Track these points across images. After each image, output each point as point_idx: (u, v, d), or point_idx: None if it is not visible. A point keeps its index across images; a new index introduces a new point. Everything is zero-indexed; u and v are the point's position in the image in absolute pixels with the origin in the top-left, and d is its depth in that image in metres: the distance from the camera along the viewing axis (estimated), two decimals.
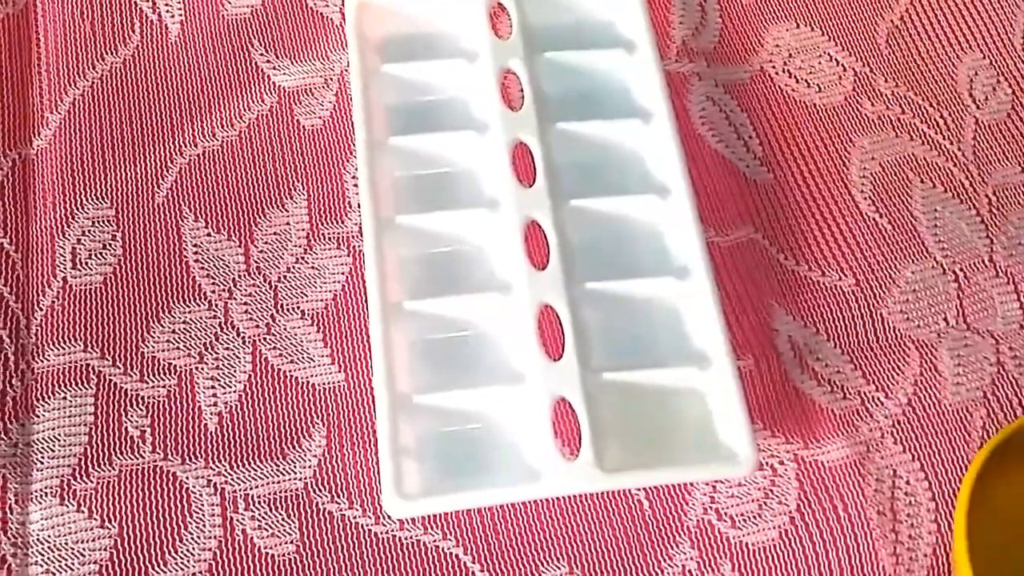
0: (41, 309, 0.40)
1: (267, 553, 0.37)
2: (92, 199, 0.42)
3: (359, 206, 0.40)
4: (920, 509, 0.38)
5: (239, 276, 0.41)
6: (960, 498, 0.34)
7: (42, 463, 0.37)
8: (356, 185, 0.42)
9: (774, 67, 0.47)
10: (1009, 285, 0.43)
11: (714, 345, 0.37)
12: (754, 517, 0.38)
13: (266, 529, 0.37)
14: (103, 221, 0.42)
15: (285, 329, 0.40)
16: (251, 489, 0.37)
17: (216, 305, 0.41)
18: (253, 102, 0.45)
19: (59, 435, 0.38)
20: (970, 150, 0.45)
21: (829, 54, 0.47)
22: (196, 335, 0.40)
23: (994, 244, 0.43)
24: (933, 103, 0.46)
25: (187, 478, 0.38)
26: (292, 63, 0.46)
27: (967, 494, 0.34)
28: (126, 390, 0.39)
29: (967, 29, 0.48)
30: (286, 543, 0.37)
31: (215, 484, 0.37)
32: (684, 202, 0.40)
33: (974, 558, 0.33)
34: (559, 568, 0.37)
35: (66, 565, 0.36)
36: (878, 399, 0.40)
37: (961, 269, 0.43)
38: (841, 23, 0.48)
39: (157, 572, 0.36)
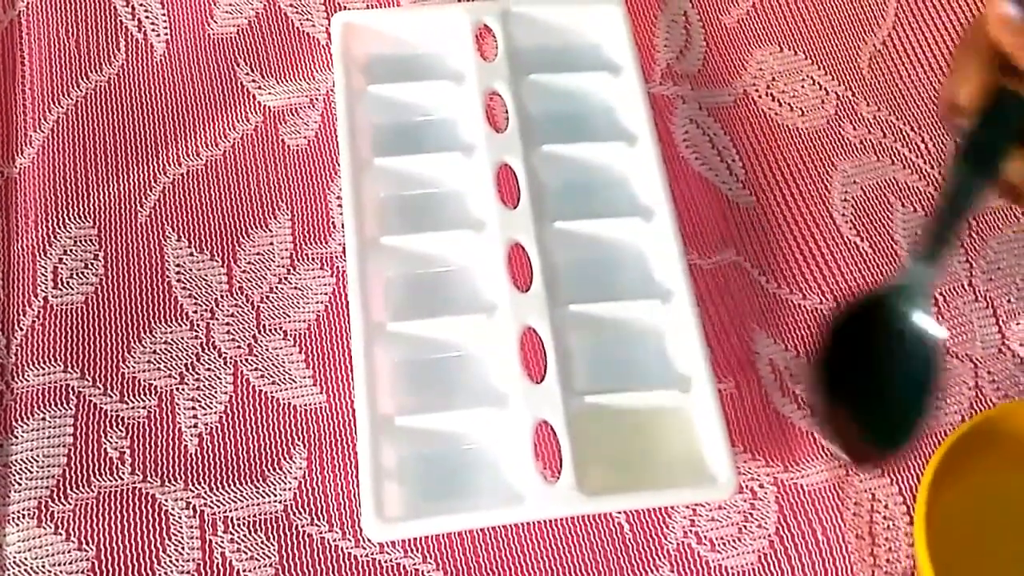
0: (21, 329, 0.40)
1: None
2: (74, 218, 0.42)
3: (343, 226, 0.40)
4: (898, 533, 0.38)
5: (221, 296, 0.41)
6: (919, 498, 0.34)
7: (20, 484, 0.37)
8: (340, 205, 0.42)
9: (757, 91, 0.47)
10: (988, 309, 0.43)
11: (695, 368, 0.37)
12: (734, 540, 0.38)
13: (245, 552, 0.37)
14: (85, 240, 0.42)
15: (267, 350, 0.40)
16: (230, 512, 0.37)
17: (198, 325, 0.41)
18: (238, 121, 0.45)
19: (37, 456, 0.38)
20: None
21: (812, 78, 0.48)
22: (177, 356, 0.40)
23: (973, 268, 0.44)
24: (914, 127, 0.47)
25: (166, 500, 0.37)
26: (277, 82, 0.46)
27: (925, 494, 0.34)
28: (106, 411, 0.39)
29: (948, 54, 0.49)
30: (265, 566, 0.37)
31: (194, 506, 0.37)
32: (667, 225, 0.40)
33: (933, 552, 0.33)
34: None
35: None
36: None
37: (940, 293, 0.43)
38: (824, 47, 0.48)
39: None
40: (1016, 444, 0.38)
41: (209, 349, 0.40)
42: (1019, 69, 0.29)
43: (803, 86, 0.47)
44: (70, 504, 0.37)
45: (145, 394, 0.39)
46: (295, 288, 0.42)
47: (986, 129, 0.30)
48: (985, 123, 0.30)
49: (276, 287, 0.42)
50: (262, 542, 0.37)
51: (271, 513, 0.37)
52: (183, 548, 0.37)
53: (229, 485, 0.38)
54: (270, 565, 0.37)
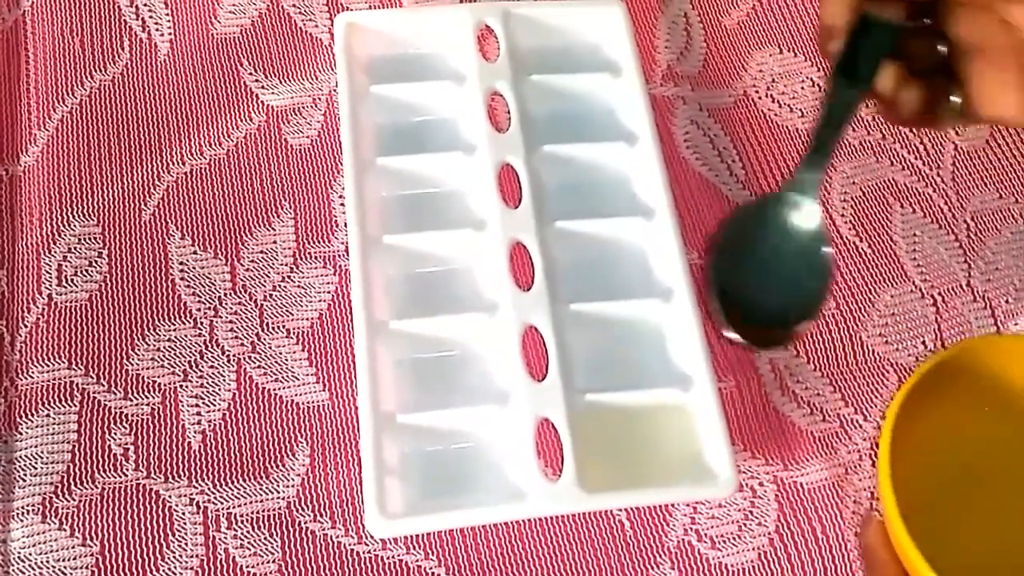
0: (26, 326, 0.40)
1: (249, 572, 0.37)
2: (79, 216, 0.43)
3: (346, 225, 0.40)
4: None
5: (225, 294, 0.41)
6: (883, 434, 0.35)
7: (24, 480, 0.37)
8: (343, 204, 0.42)
9: (757, 92, 0.47)
10: (986, 310, 0.43)
11: (696, 367, 0.38)
12: (734, 538, 0.38)
13: (249, 548, 0.37)
14: (89, 238, 0.42)
15: (270, 347, 0.40)
16: (234, 508, 0.38)
17: (201, 323, 0.41)
18: (241, 121, 0.45)
19: (42, 452, 0.38)
20: (949, 176, 0.46)
21: (812, 80, 0.48)
22: (181, 353, 0.40)
23: (972, 269, 0.44)
24: (913, 129, 0.47)
25: (170, 496, 0.38)
26: (281, 82, 0.46)
27: (889, 430, 0.35)
28: (110, 408, 0.39)
29: None
30: (268, 562, 0.37)
31: (198, 503, 0.38)
32: (668, 224, 0.40)
33: (896, 486, 0.34)
34: None
35: None
36: (857, 422, 0.40)
37: (939, 293, 0.43)
38: None
39: None
40: (976, 381, 0.38)
41: (213, 347, 0.40)
42: None
43: (803, 88, 0.48)
44: (74, 500, 0.37)
45: (149, 391, 0.39)
46: (298, 286, 0.42)
47: (856, 46, 0.32)
48: (854, 41, 0.32)
49: (279, 285, 0.42)
50: (265, 538, 0.37)
51: (274, 510, 0.38)
52: (187, 544, 0.37)
53: (232, 482, 0.38)
54: (273, 561, 0.37)
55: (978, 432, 0.39)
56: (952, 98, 0.33)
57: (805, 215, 0.34)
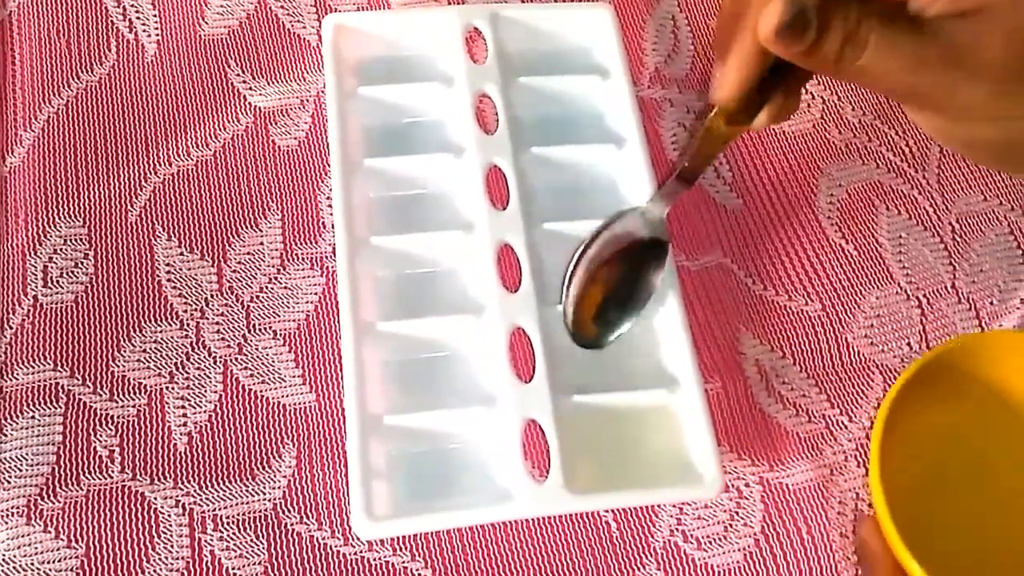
0: (11, 327, 0.40)
1: (235, 574, 0.36)
2: (65, 217, 0.42)
3: (333, 226, 0.40)
4: None
5: (211, 296, 0.41)
6: (875, 429, 0.36)
7: (9, 482, 0.37)
8: (331, 206, 0.42)
9: None
10: (971, 311, 0.44)
11: (682, 368, 0.38)
12: (719, 539, 0.38)
13: (234, 550, 0.37)
14: (75, 240, 0.42)
15: (257, 349, 0.40)
16: (220, 510, 0.37)
17: (188, 325, 0.41)
18: (229, 122, 0.45)
19: (26, 454, 0.38)
20: (935, 178, 0.47)
21: None
22: (167, 354, 0.40)
23: (957, 271, 0.44)
24: (899, 131, 0.47)
25: (155, 498, 0.37)
26: (268, 83, 0.46)
27: (881, 425, 0.36)
28: (95, 409, 0.39)
29: None
30: (254, 564, 0.37)
31: (183, 504, 0.37)
32: None
33: (885, 480, 0.35)
34: None
35: None
36: (842, 423, 0.41)
37: (924, 295, 0.44)
38: None
39: None
40: (963, 378, 0.39)
41: (199, 348, 0.40)
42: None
43: None
44: (59, 502, 0.37)
45: (135, 393, 0.39)
46: (285, 288, 0.42)
47: (748, 99, 0.33)
48: (748, 95, 0.33)
49: (266, 287, 0.42)
50: (251, 540, 0.37)
51: (260, 511, 0.38)
52: (172, 546, 0.37)
53: (218, 483, 0.38)
54: (259, 563, 0.37)
55: (966, 426, 0.39)
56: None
57: (651, 225, 0.38)
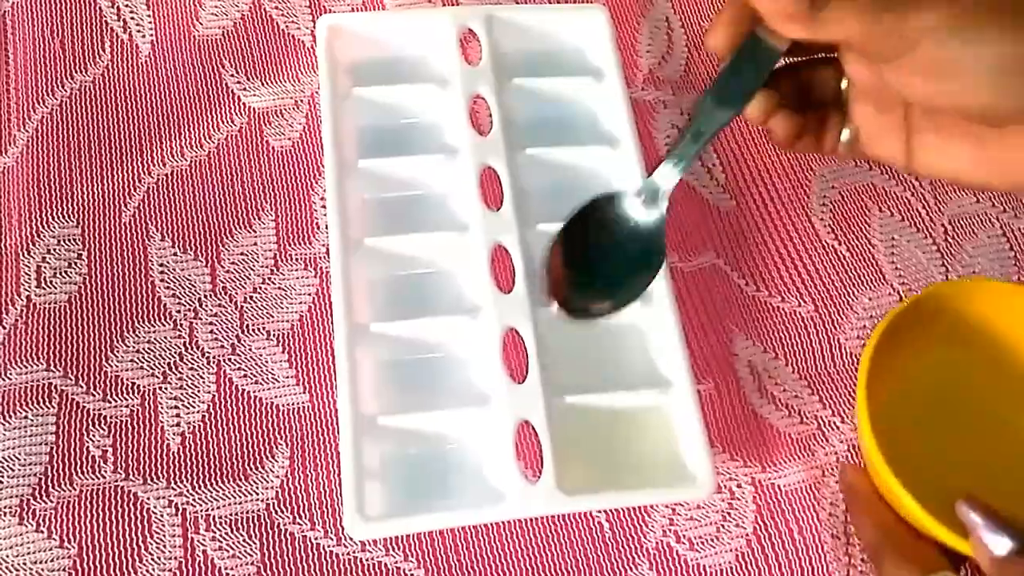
0: (4, 328, 0.40)
1: (228, 574, 0.36)
2: (58, 217, 0.42)
3: (327, 227, 0.40)
4: None
5: (205, 296, 0.41)
6: (860, 369, 0.37)
7: (2, 482, 0.37)
8: (324, 206, 0.42)
9: None
10: None
11: (675, 369, 0.38)
12: (712, 540, 0.38)
13: (227, 550, 0.37)
14: (69, 240, 0.42)
15: (250, 350, 0.40)
16: (213, 510, 0.37)
17: (181, 325, 0.41)
18: (223, 122, 0.45)
19: (19, 454, 0.38)
20: (927, 180, 0.47)
21: None
22: (160, 355, 0.40)
23: (949, 272, 0.45)
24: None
25: (148, 499, 0.37)
26: (263, 84, 0.46)
27: (867, 363, 0.37)
28: (88, 410, 0.39)
29: None
30: (247, 564, 0.37)
31: (176, 505, 0.37)
32: None
33: (876, 430, 0.36)
34: None
35: None
36: (834, 424, 0.41)
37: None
38: None
39: None
40: (945, 321, 0.40)
41: (192, 348, 0.40)
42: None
43: None
44: (52, 502, 0.37)
45: (128, 393, 0.39)
46: (279, 288, 0.42)
47: (736, 70, 0.32)
48: (735, 65, 0.32)
49: (260, 287, 0.42)
50: (244, 540, 0.37)
51: (253, 511, 0.38)
52: (165, 546, 0.37)
53: (211, 483, 0.38)
54: (252, 563, 0.37)
55: (947, 366, 0.41)
56: (845, 130, 0.33)
57: (650, 214, 0.35)
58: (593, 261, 0.35)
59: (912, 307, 0.38)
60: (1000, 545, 0.31)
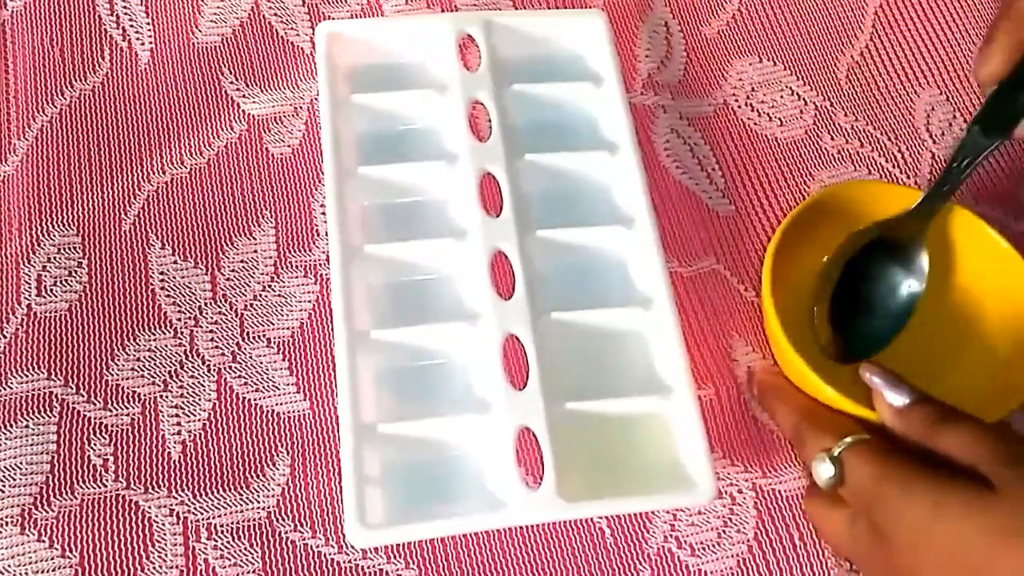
0: (5, 337, 0.40)
1: None
2: (58, 226, 0.42)
3: (327, 234, 0.40)
4: None
5: (205, 304, 0.41)
6: (765, 261, 0.39)
7: (3, 492, 0.37)
8: (324, 213, 0.42)
9: (737, 101, 0.48)
10: None
11: (675, 375, 0.38)
12: (713, 545, 0.38)
13: (228, 559, 0.37)
14: (69, 248, 0.42)
15: (251, 357, 0.40)
16: (214, 518, 0.37)
17: (182, 333, 0.41)
18: (222, 130, 0.45)
19: (20, 464, 0.38)
20: (927, 184, 0.47)
21: (791, 88, 0.48)
22: (161, 363, 0.40)
23: None
24: (891, 137, 0.48)
25: (149, 507, 0.37)
26: (262, 91, 0.46)
27: (772, 256, 0.38)
28: (89, 418, 0.39)
29: (925, 66, 0.49)
30: (248, 572, 0.37)
31: (178, 513, 0.37)
32: (648, 233, 0.40)
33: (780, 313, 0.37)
34: None
35: None
36: None
37: None
38: (802, 58, 0.49)
39: None
40: (847, 217, 0.41)
41: (193, 356, 0.40)
42: None
43: (782, 96, 0.48)
44: (53, 511, 0.37)
45: (129, 401, 0.39)
46: (279, 296, 0.42)
47: (1004, 96, 0.33)
48: (1005, 91, 0.33)
49: (260, 295, 0.42)
50: (245, 548, 0.37)
51: (254, 520, 0.38)
52: (166, 555, 0.37)
53: (212, 492, 0.38)
54: (253, 571, 0.37)
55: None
56: None
57: (912, 261, 0.38)
58: (861, 312, 0.39)
59: (812, 205, 0.40)
60: (899, 398, 0.35)
